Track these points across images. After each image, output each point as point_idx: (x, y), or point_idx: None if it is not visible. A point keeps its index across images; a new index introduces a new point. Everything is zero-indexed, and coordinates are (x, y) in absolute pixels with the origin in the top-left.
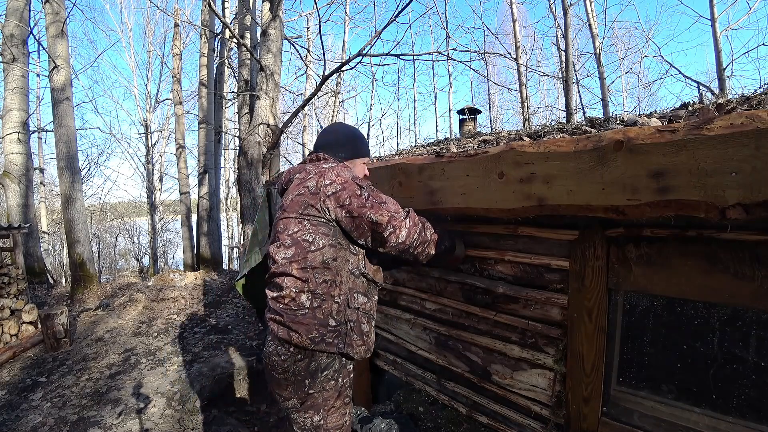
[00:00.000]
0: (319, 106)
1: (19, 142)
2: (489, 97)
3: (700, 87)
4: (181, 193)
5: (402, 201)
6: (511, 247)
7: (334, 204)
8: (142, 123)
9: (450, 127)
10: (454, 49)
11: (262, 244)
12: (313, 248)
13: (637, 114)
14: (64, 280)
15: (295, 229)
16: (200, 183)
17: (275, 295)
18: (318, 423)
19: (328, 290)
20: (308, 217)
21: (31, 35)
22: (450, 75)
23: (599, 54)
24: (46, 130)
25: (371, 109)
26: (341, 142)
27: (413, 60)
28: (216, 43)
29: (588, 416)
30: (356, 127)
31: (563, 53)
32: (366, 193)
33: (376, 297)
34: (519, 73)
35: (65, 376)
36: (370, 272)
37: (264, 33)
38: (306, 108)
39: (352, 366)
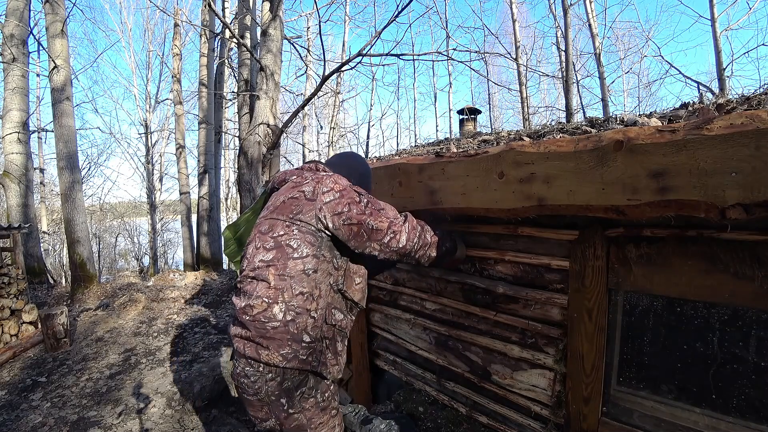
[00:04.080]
0: (319, 106)
1: (19, 142)
2: (489, 97)
3: (700, 87)
4: (181, 193)
5: (402, 201)
6: (511, 247)
7: (331, 212)
8: (142, 123)
9: (450, 127)
10: (454, 49)
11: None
12: (295, 255)
13: (637, 114)
14: (64, 280)
15: (281, 233)
16: (200, 183)
17: (243, 304)
18: None
19: (304, 303)
20: (298, 223)
21: (31, 35)
22: (450, 75)
23: (599, 54)
24: (46, 130)
25: (371, 109)
26: (356, 169)
27: (413, 60)
28: (216, 43)
29: (588, 416)
30: (356, 127)
31: (563, 53)
32: (365, 200)
33: (354, 317)
34: (519, 73)
35: (65, 376)
36: (350, 291)
37: (264, 33)
38: (306, 108)
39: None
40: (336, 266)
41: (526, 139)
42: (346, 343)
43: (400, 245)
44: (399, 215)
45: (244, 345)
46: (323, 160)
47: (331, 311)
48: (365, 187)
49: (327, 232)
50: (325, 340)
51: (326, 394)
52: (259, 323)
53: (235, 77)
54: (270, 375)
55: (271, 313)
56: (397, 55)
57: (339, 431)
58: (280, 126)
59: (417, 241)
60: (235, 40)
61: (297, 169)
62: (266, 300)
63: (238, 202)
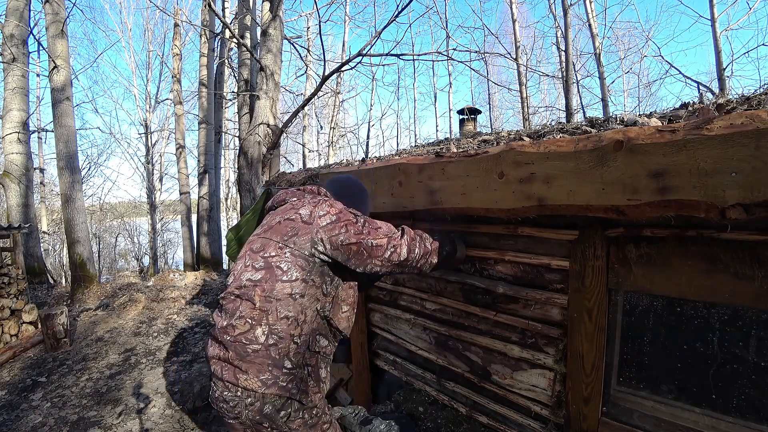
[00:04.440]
0: (319, 106)
1: (19, 142)
2: (489, 97)
3: (700, 87)
4: (181, 193)
5: (402, 201)
6: (511, 247)
7: (328, 235)
8: (142, 123)
9: (450, 127)
10: (454, 49)
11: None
12: (284, 278)
13: (637, 114)
14: (64, 280)
15: (273, 253)
16: (200, 183)
17: (225, 324)
18: None
19: (288, 328)
20: (291, 246)
21: (31, 35)
22: (450, 75)
23: (599, 54)
24: (46, 130)
25: (371, 109)
26: (354, 195)
27: (413, 60)
28: (216, 43)
29: (588, 416)
30: (356, 127)
31: (563, 53)
32: (362, 220)
33: (336, 343)
34: (519, 73)
35: (65, 376)
36: (336, 319)
37: (264, 33)
38: (306, 108)
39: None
40: (325, 292)
41: (526, 139)
42: (329, 369)
43: (402, 258)
44: (396, 230)
45: (222, 368)
46: (324, 181)
47: (315, 337)
48: (364, 210)
49: (324, 256)
50: (308, 367)
51: (314, 411)
52: (240, 345)
53: (235, 77)
54: (249, 399)
55: (253, 335)
56: (397, 55)
57: None
58: (280, 126)
59: (418, 251)
60: (235, 40)
61: (299, 190)
62: (249, 321)
63: (238, 202)
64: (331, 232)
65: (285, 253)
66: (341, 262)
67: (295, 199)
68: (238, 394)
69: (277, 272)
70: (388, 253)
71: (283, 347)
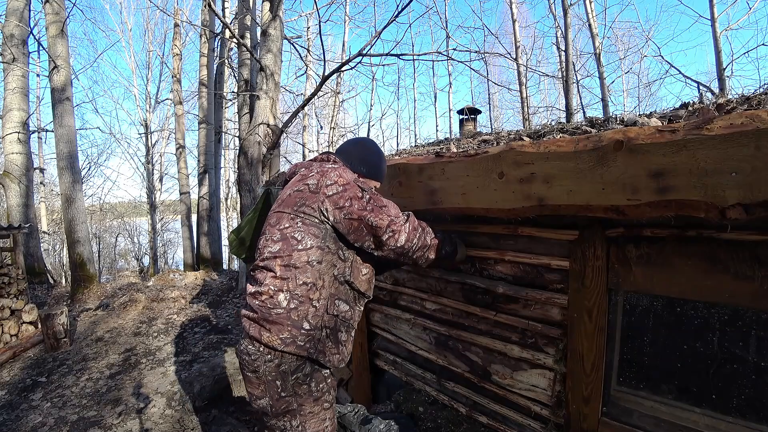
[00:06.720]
0: (319, 106)
1: (19, 142)
2: (489, 97)
3: (700, 87)
4: (181, 193)
5: (402, 201)
6: (511, 247)
7: (333, 206)
8: (142, 123)
9: (450, 127)
10: (454, 49)
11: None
12: (300, 247)
13: (637, 114)
14: (64, 280)
15: (287, 225)
16: (200, 183)
17: (253, 290)
18: (297, 430)
19: (307, 293)
20: (302, 215)
21: (31, 35)
22: (450, 75)
23: (599, 54)
24: (46, 130)
25: (371, 109)
26: (366, 157)
27: (413, 60)
28: (216, 43)
29: (588, 416)
30: (356, 127)
31: (563, 53)
32: (368, 196)
33: (361, 308)
34: (519, 73)
35: (65, 376)
36: (357, 282)
37: (264, 33)
38: (306, 108)
39: (328, 371)
40: (342, 257)
41: (526, 139)
42: (352, 333)
43: (398, 244)
44: (401, 214)
45: (250, 324)
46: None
47: (334, 302)
48: (377, 176)
49: (328, 224)
50: (326, 329)
51: (321, 385)
52: (265, 308)
53: (235, 77)
54: (269, 356)
55: (276, 300)
56: (397, 55)
57: (330, 425)
58: (280, 126)
59: (416, 242)
60: (235, 40)
61: (309, 160)
62: (272, 288)
63: (238, 202)
64: (336, 203)
65: (297, 223)
66: (342, 233)
67: (304, 169)
68: (261, 349)
69: (292, 242)
70: (386, 236)
71: (302, 310)
